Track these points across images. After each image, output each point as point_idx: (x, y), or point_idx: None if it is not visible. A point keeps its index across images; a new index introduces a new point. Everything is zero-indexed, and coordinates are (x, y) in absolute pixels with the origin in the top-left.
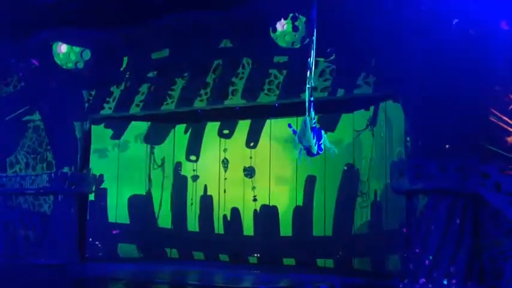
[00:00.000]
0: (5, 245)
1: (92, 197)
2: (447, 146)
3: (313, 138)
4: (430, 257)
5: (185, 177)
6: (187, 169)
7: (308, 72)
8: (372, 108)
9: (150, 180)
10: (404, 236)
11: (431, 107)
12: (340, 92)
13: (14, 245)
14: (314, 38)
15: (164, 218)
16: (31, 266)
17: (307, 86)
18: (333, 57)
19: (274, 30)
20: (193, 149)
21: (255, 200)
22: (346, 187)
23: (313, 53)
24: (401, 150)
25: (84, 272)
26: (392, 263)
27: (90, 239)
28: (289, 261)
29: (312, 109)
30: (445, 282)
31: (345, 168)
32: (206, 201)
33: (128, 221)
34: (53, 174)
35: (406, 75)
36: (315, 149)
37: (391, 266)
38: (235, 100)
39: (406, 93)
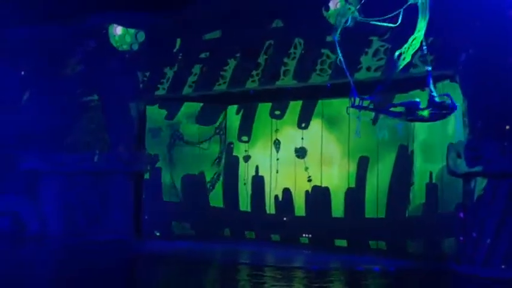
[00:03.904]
0: (65, 223)
1: (147, 176)
2: (507, 127)
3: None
4: (488, 241)
5: (237, 158)
6: (239, 149)
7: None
8: (424, 91)
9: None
10: (461, 220)
11: (490, 87)
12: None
13: (73, 223)
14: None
15: (216, 198)
16: (90, 243)
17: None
18: (388, 35)
19: (327, 9)
20: (245, 129)
21: (309, 180)
22: (400, 169)
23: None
24: (459, 131)
25: (140, 248)
26: (447, 247)
27: (146, 217)
28: (340, 242)
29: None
30: (503, 266)
31: (399, 149)
32: (258, 182)
33: (181, 200)
34: (109, 154)
35: (465, 55)
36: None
37: (446, 249)
38: (286, 81)
39: (465, 74)
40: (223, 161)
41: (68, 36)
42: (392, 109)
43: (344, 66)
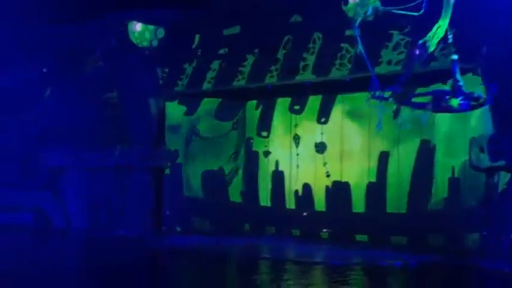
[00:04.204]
0: (88, 219)
1: (167, 171)
2: None
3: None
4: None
5: (257, 153)
6: (258, 145)
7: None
8: (449, 82)
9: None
10: (484, 214)
11: None
12: (409, 75)
13: (96, 218)
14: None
15: (236, 193)
16: (112, 238)
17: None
18: (408, 29)
19: (346, 2)
20: (265, 124)
21: (328, 175)
22: (422, 163)
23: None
24: (481, 125)
25: (161, 243)
26: (470, 241)
27: (167, 213)
28: (361, 237)
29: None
30: None
31: (421, 143)
32: (278, 177)
33: (201, 195)
34: (130, 150)
35: (487, 48)
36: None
37: (468, 243)
38: (305, 75)
39: (487, 66)
40: (240, 156)
41: (88, 34)
42: (415, 100)
43: (364, 56)
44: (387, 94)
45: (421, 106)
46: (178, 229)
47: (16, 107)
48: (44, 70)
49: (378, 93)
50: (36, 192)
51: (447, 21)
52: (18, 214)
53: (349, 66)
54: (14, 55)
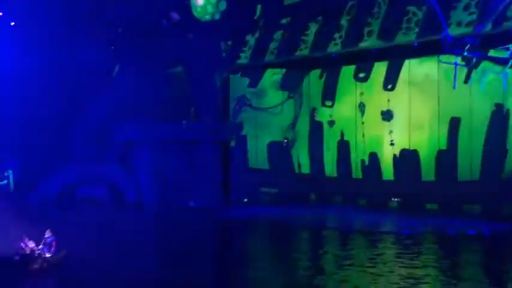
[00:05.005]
0: (157, 191)
1: (233, 143)
2: None
3: None
4: None
5: (321, 123)
6: (323, 114)
7: None
8: None
9: (289, 127)
10: None
11: None
12: (487, 26)
13: (165, 190)
14: None
15: (302, 164)
16: (181, 209)
17: None
18: None
19: None
20: (329, 94)
21: (392, 144)
22: (495, 129)
23: None
24: None
25: (229, 214)
26: None
27: (233, 184)
28: (432, 206)
29: None
30: None
31: (494, 108)
32: (343, 146)
33: (267, 167)
34: (196, 124)
35: None
36: None
37: None
38: (370, 42)
39: None
40: (298, 126)
41: (153, 10)
42: (493, 54)
43: (435, 5)
44: (464, 47)
45: (502, 61)
46: (245, 200)
47: (90, 85)
48: (112, 47)
49: (452, 46)
50: (110, 167)
51: None
52: (95, 188)
53: (417, 30)
54: (85, 35)
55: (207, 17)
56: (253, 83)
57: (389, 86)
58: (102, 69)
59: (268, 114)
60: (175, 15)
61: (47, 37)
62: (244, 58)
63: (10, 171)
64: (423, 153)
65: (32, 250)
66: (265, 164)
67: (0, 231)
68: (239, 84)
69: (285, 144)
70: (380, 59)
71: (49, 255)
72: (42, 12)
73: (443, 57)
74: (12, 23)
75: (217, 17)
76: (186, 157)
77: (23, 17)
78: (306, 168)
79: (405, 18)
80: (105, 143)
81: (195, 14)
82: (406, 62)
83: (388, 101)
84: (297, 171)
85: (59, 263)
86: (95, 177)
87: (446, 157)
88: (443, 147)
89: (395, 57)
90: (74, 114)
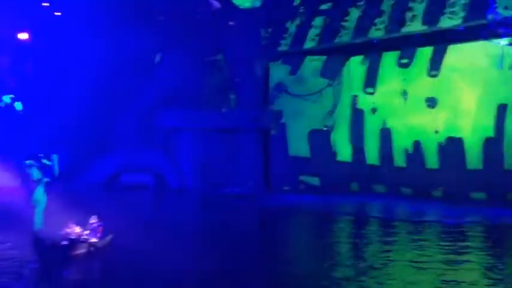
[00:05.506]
0: (200, 177)
1: (273, 131)
2: None
3: None
4: None
5: (362, 111)
6: (364, 102)
7: None
8: None
9: (328, 114)
10: None
11: None
12: None
13: (207, 177)
14: None
15: (343, 152)
16: (222, 195)
17: None
18: None
19: None
20: (370, 80)
21: (436, 132)
22: None
23: None
24: None
25: (270, 201)
26: None
27: (274, 172)
28: (477, 195)
29: None
30: None
31: None
32: (385, 134)
33: (308, 155)
34: (237, 111)
35: None
36: None
37: None
38: (414, 27)
39: None
40: (337, 113)
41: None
42: None
43: None
44: (509, 27)
45: None
46: (286, 188)
47: (134, 73)
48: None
49: (499, 25)
50: (154, 154)
51: None
52: (140, 175)
53: (462, 14)
54: (128, 24)
55: (247, 5)
56: (294, 70)
57: (434, 72)
58: (146, 57)
59: (307, 101)
60: (216, 3)
61: (90, 26)
62: (284, 45)
63: (55, 156)
64: (468, 141)
65: (79, 235)
66: (306, 151)
67: (49, 217)
68: (279, 71)
69: (325, 131)
70: (423, 44)
71: (96, 240)
72: (86, 2)
73: (490, 40)
74: (58, 13)
75: (257, 4)
76: (227, 145)
77: (68, 7)
78: (347, 156)
79: (450, 1)
80: (149, 130)
81: (235, 1)
82: (451, 46)
83: (432, 87)
84: (337, 159)
85: (106, 248)
86: (140, 164)
87: (493, 145)
88: (490, 134)
89: (440, 42)
90: (118, 103)
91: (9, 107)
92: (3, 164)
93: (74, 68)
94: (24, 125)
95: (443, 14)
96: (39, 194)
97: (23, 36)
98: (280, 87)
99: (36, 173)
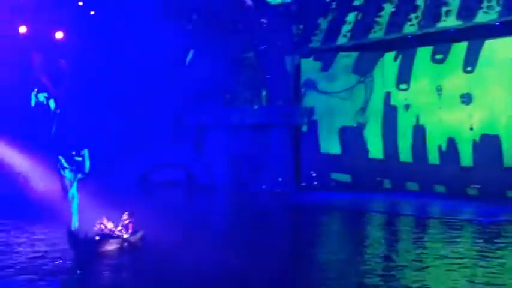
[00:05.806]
0: (231, 173)
1: (304, 128)
2: None
3: None
4: None
5: (395, 107)
6: (397, 98)
7: None
8: None
9: (360, 111)
10: None
11: None
12: None
13: (237, 173)
14: None
15: (375, 149)
16: (253, 192)
17: None
18: None
19: None
20: (404, 77)
21: (471, 129)
22: None
23: None
24: None
25: (301, 198)
26: None
27: (305, 169)
28: None
29: None
30: None
31: None
32: (419, 131)
33: (339, 152)
34: (268, 108)
35: None
36: None
37: None
38: (449, 22)
39: None
40: (368, 110)
41: None
42: None
43: None
44: None
45: None
46: (317, 184)
47: (166, 71)
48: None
49: None
50: (185, 151)
51: None
52: (171, 171)
53: (499, 8)
54: (161, 22)
55: (278, 1)
56: (325, 67)
57: (469, 68)
58: (178, 56)
59: (338, 98)
60: (248, 0)
61: (124, 25)
62: (316, 42)
63: (86, 151)
64: (505, 139)
65: (111, 231)
66: (337, 148)
67: (82, 213)
68: (311, 68)
69: (356, 128)
70: (459, 39)
71: (128, 236)
72: (120, 1)
73: None
74: (92, 12)
75: (288, 0)
76: (258, 141)
77: (103, 6)
78: (379, 154)
79: None
80: (181, 128)
81: None
82: (487, 42)
83: (468, 83)
84: (369, 156)
85: (139, 244)
86: (171, 161)
87: None
88: None
89: (475, 38)
90: (151, 100)
91: (45, 105)
92: (44, 166)
93: (108, 67)
94: (59, 124)
95: (479, 8)
96: (75, 190)
97: (58, 35)
98: (311, 84)
99: (68, 171)
